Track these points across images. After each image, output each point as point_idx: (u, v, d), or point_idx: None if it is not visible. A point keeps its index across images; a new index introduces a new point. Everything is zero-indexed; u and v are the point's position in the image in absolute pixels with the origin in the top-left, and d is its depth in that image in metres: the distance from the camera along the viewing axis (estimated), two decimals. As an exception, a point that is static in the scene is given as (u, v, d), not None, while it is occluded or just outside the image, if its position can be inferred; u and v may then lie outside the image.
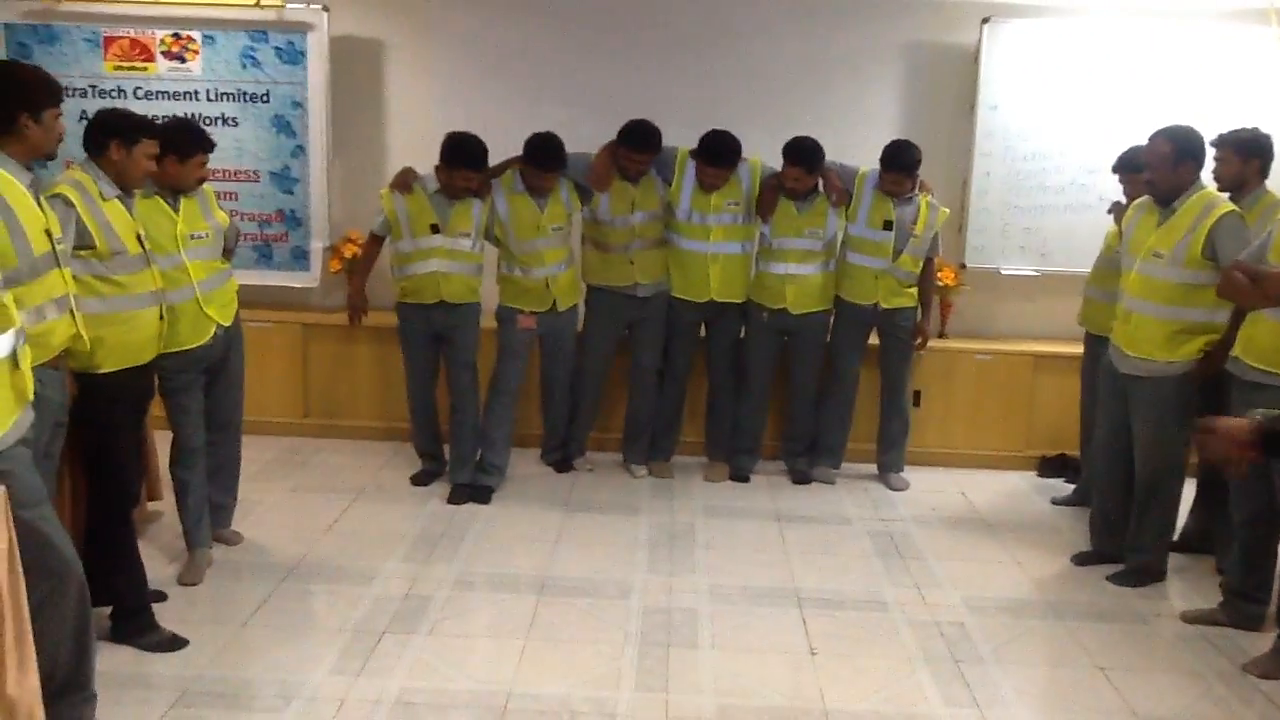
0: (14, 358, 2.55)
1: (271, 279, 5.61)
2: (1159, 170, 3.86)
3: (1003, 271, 5.61)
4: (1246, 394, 3.50)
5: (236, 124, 5.48)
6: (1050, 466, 5.41)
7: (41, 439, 2.87)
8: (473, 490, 4.76)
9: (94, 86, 5.43)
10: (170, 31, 5.42)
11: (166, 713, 2.97)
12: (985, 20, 5.36)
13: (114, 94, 5.42)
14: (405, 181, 4.63)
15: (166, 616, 3.44)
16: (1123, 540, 4.15)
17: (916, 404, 5.39)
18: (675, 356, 5.11)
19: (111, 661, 3.17)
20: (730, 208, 4.88)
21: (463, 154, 4.50)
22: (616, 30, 5.55)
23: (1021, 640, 3.65)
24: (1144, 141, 3.98)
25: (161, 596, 3.61)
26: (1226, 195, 3.91)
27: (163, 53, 5.44)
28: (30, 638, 2.45)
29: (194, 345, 3.67)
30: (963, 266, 5.55)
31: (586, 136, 4.82)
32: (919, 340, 5.11)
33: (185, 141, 3.59)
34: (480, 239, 4.70)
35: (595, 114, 5.05)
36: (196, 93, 5.46)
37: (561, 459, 5.21)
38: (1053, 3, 5.41)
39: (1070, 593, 4.03)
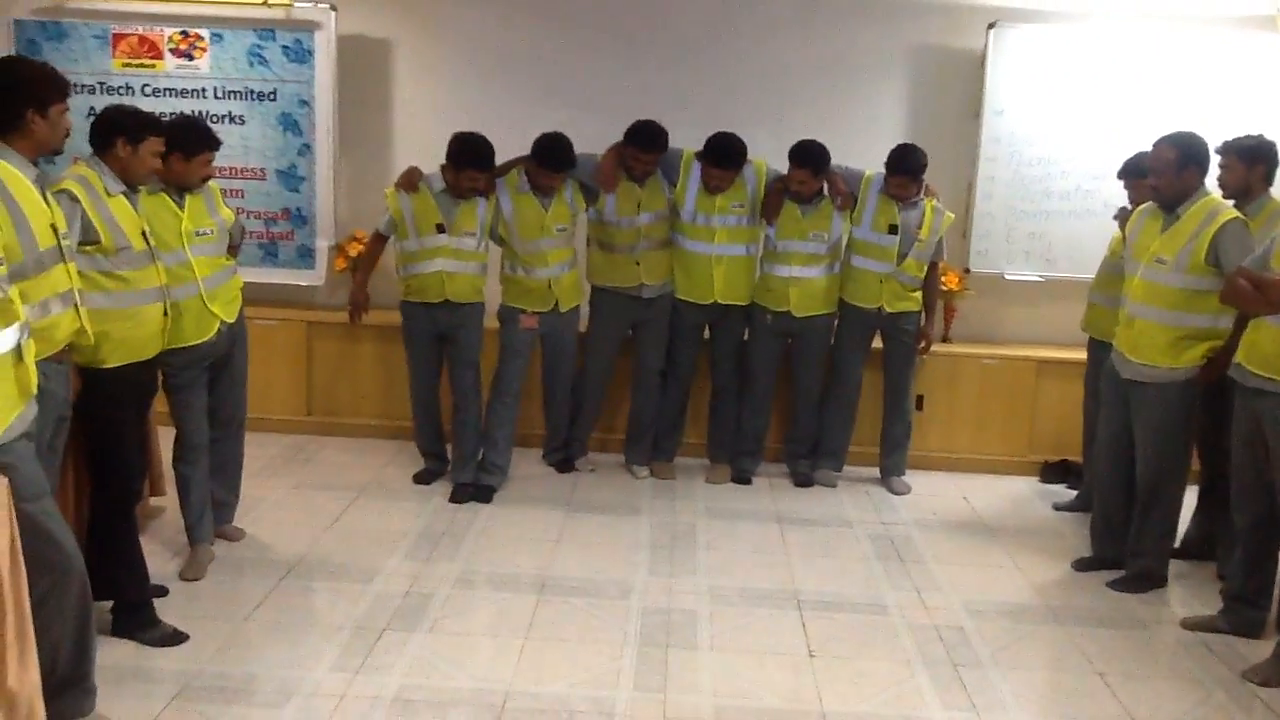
0: (18, 351, 2.55)
1: (277, 277, 5.63)
2: (1163, 176, 3.86)
3: (1007, 276, 5.60)
4: (1249, 400, 3.51)
5: (243, 122, 5.50)
6: (1053, 472, 5.40)
7: (45, 433, 2.88)
8: (475, 489, 4.77)
9: (102, 83, 5.47)
10: (178, 29, 5.45)
11: (167, 707, 2.98)
12: (991, 25, 5.36)
13: (122, 91, 5.44)
14: (411, 181, 4.63)
15: (168, 612, 3.45)
16: (1124, 546, 4.15)
17: (919, 408, 5.39)
18: (678, 358, 5.11)
19: (112, 656, 3.18)
20: (735, 210, 4.88)
21: (470, 154, 4.51)
22: (624, 32, 5.56)
23: (1021, 645, 3.64)
24: (1149, 147, 3.97)
25: (163, 591, 3.62)
26: (1231, 202, 3.90)
27: (171, 50, 5.46)
28: (31, 631, 2.46)
29: (198, 341, 3.68)
30: (967, 271, 5.55)
31: (592, 137, 4.82)
32: (923, 344, 5.11)
33: (191, 139, 3.61)
34: (485, 238, 4.71)
35: (601, 115, 5.05)
36: (204, 90, 5.49)
37: (563, 459, 5.22)
38: (1059, 8, 5.41)
39: (1070, 598, 4.03)
